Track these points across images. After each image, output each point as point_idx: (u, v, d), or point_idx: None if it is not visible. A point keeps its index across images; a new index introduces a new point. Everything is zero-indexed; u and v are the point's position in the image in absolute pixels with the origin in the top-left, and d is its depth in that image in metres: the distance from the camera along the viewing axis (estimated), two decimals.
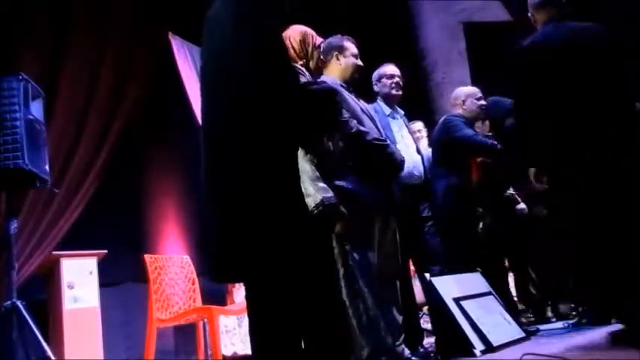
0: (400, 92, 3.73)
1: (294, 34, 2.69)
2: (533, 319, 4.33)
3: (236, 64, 1.82)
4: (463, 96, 4.14)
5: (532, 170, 2.99)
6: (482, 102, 4.11)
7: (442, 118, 4.12)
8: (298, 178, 1.91)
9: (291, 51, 2.65)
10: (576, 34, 2.92)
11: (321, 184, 2.07)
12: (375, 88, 3.78)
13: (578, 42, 2.89)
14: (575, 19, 3.00)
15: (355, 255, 2.81)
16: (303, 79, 2.51)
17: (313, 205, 2.02)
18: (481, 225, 4.19)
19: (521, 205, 4.52)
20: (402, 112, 3.78)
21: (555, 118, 2.84)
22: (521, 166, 3.12)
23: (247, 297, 1.85)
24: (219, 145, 1.83)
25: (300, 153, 2.13)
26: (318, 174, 2.11)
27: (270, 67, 1.84)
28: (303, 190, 1.96)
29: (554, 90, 2.85)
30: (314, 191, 2.05)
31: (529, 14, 3.13)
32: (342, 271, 2.63)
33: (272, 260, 1.75)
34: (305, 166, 2.12)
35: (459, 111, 4.09)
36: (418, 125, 4.57)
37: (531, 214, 4.47)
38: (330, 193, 2.07)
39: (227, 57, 1.84)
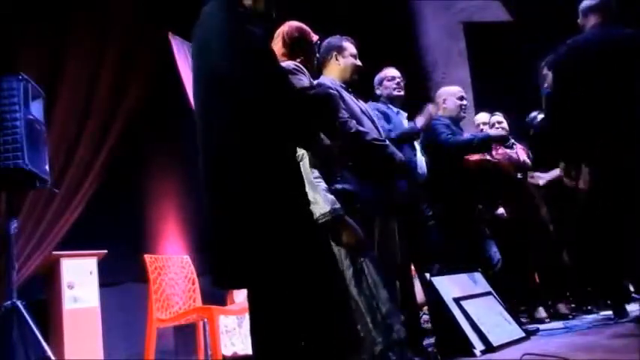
0: (402, 93, 3.75)
1: (291, 30, 2.68)
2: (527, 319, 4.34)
3: (230, 70, 1.82)
4: (444, 95, 4.16)
5: (562, 165, 3.04)
6: (464, 101, 4.12)
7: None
8: (301, 183, 1.92)
9: (288, 48, 2.65)
10: (609, 39, 3.02)
11: (330, 196, 2.14)
12: (378, 92, 3.79)
13: (606, 46, 3.00)
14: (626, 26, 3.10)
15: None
16: (303, 78, 2.51)
17: (319, 214, 2.08)
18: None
19: (500, 210, 4.54)
20: (406, 114, 3.79)
21: (576, 118, 2.96)
22: (554, 160, 3.19)
23: (249, 298, 1.86)
24: (219, 152, 1.84)
25: (305, 161, 2.16)
26: (325, 185, 2.16)
27: (264, 70, 1.85)
28: (310, 197, 1.99)
29: (577, 91, 2.95)
30: (322, 201, 2.11)
31: (578, 20, 3.25)
32: (351, 271, 2.63)
33: (273, 262, 1.76)
34: (310, 174, 2.16)
35: (441, 111, 4.11)
36: None
37: (520, 215, 4.49)
38: (338, 205, 2.13)
39: (220, 62, 1.84)
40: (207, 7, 1.92)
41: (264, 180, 1.78)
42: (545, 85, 3.83)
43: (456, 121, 4.09)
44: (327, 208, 2.15)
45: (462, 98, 4.12)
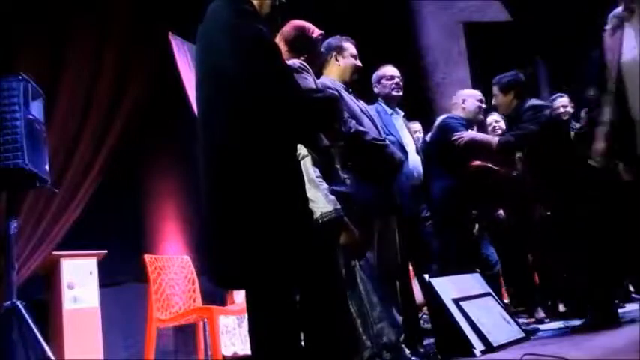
0: (400, 93, 3.73)
1: (290, 28, 2.69)
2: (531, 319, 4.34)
3: (235, 67, 1.82)
4: (464, 96, 4.15)
5: (621, 165, 3.18)
6: (483, 104, 4.12)
7: (439, 120, 4.12)
8: (300, 183, 1.92)
9: (289, 46, 2.66)
10: None
11: (332, 196, 2.16)
12: (375, 90, 3.78)
13: None
14: None
15: None
16: (308, 77, 2.51)
17: (320, 213, 2.10)
18: (477, 227, 4.19)
19: (500, 211, 4.54)
20: (402, 113, 3.78)
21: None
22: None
23: (247, 298, 1.86)
24: (219, 150, 1.84)
25: (307, 160, 2.17)
26: (326, 185, 2.18)
27: (270, 68, 1.85)
28: (309, 196, 2.00)
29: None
30: (324, 201, 2.13)
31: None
32: (344, 274, 2.64)
33: (271, 263, 1.75)
34: (312, 173, 2.17)
35: (458, 111, 4.10)
36: (417, 126, 4.57)
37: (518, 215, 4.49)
38: (339, 206, 2.15)
39: (225, 60, 1.84)
40: (213, 5, 1.92)
41: (263, 179, 1.78)
42: (494, 101, 3.87)
43: (470, 122, 4.07)
44: (329, 208, 2.17)
45: (481, 101, 4.12)
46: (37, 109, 3.14)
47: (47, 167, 3.17)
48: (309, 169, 2.24)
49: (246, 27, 1.85)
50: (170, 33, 5.04)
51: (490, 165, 3.99)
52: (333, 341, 1.85)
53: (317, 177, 2.25)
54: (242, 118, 1.80)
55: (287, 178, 1.84)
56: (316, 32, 2.73)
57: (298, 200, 1.87)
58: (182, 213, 5.18)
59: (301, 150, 2.22)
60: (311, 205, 2.09)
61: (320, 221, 2.14)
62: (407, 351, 2.99)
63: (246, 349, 4.36)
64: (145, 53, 4.80)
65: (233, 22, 1.86)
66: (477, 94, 4.20)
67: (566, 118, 4.57)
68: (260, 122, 1.80)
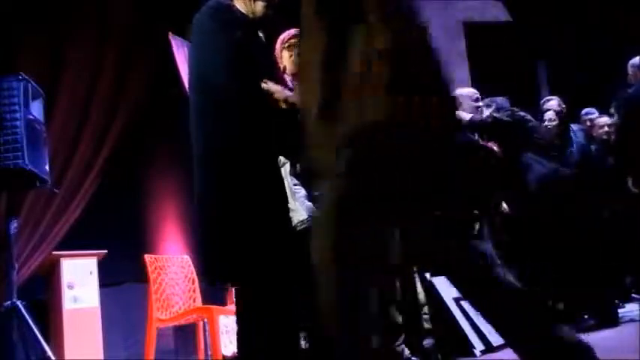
0: None
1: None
2: None
3: (216, 76, 1.85)
4: (459, 97, 4.11)
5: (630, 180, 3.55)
6: (479, 103, 4.09)
7: None
8: (282, 188, 1.95)
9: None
10: None
11: (308, 203, 2.20)
12: None
13: None
14: None
15: None
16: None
17: (297, 221, 2.14)
18: (477, 226, 4.18)
19: (504, 206, 4.53)
20: None
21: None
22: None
23: (236, 298, 1.88)
24: (206, 155, 1.86)
25: (285, 168, 2.20)
26: (304, 192, 2.21)
27: (252, 79, 1.86)
28: (289, 205, 2.02)
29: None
30: (300, 209, 2.17)
31: (630, 71, 3.82)
32: None
33: (259, 265, 1.77)
34: (289, 183, 2.20)
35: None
36: None
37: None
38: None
39: (206, 69, 1.87)
40: (198, 14, 1.94)
41: (243, 184, 1.80)
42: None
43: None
44: (304, 216, 2.22)
45: (477, 100, 4.06)
46: (37, 109, 3.14)
47: (47, 167, 3.17)
48: (287, 177, 2.27)
49: (226, 36, 1.87)
50: (170, 33, 5.04)
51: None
52: (330, 341, 1.86)
53: (294, 185, 2.29)
54: (223, 124, 1.83)
55: (267, 181, 1.86)
56: (285, 36, 2.76)
57: (279, 202, 1.90)
58: (182, 213, 5.18)
59: (280, 158, 2.24)
60: (290, 213, 2.13)
61: (297, 229, 2.18)
62: (407, 351, 2.99)
63: None
64: (145, 53, 4.80)
65: (215, 35, 1.88)
66: (472, 93, 4.13)
67: (554, 122, 4.53)
68: (240, 129, 1.83)
